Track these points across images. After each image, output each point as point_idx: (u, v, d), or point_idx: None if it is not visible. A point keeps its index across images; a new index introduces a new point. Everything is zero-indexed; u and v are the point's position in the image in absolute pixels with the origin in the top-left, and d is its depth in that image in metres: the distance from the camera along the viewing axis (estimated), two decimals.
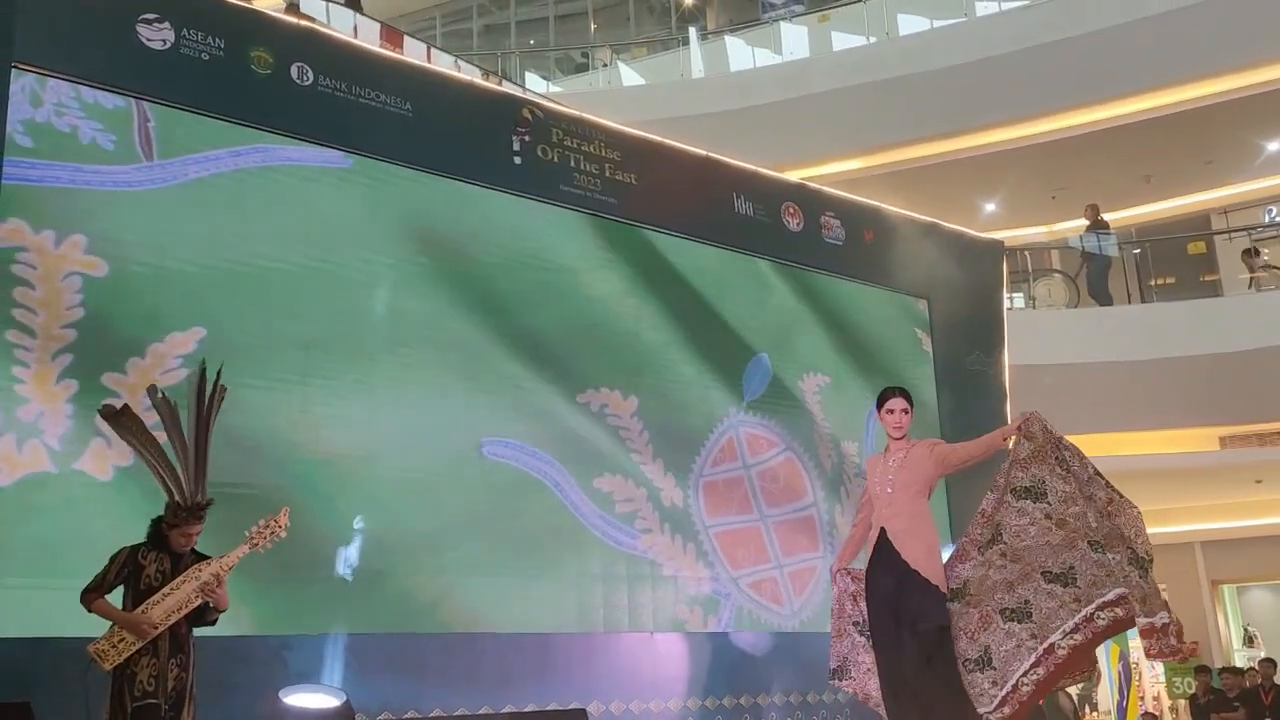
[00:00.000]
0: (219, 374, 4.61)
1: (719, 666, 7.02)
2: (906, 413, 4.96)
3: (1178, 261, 15.02)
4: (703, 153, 8.11)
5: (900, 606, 4.65)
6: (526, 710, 6.09)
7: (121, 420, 4.51)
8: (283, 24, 6.43)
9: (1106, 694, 12.58)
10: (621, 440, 7.07)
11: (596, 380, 7.02)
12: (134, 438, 4.51)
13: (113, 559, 4.37)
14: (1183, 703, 13.97)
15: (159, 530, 4.45)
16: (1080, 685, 8.42)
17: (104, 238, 5.43)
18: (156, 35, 5.73)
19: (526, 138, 7.10)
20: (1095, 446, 12.68)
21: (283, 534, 4.58)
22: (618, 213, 7.41)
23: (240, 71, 6.01)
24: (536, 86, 14.89)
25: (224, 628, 4.58)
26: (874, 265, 8.80)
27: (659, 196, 7.63)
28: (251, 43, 6.08)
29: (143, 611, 4.25)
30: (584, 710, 6.22)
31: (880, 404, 5.02)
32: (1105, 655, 12.37)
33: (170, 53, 5.76)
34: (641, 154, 7.68)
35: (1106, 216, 13.95)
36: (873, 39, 14.45)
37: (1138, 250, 13.78)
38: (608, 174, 7.42)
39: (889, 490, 4.85)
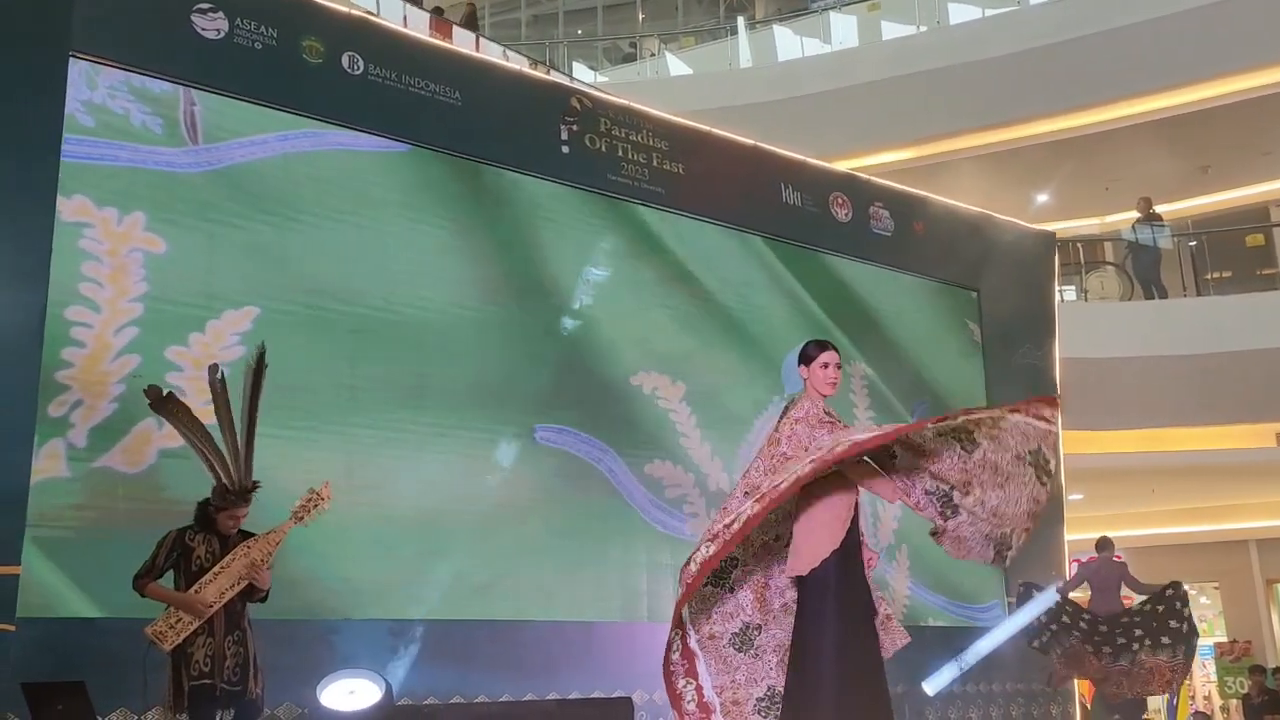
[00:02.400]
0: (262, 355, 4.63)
1: None
2: (838, 368, 4.15)
3: (1235, 254, 14.74)
4: (750, 142, 8.07)
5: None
6: (571, 698, 6.11)
7: (167, 406, 4.52)
8: (334, 14, 6.48)
9: None
10: (671, 424, 7.11)
11: (647, 365, 7.10)
12: (180, 422, 4.52)
13: (160, 543, 4.41)
14: (1234, 702, 13.77)
15: (205, 513, 4.48)
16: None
17: (160, 216, 5.56)
18: (211, 25, 5.82)
19: (575, 127, 7.11)
20: (1148, 442, 12.61)
21: (326, 506, 4.59)
22: (665, 202, 7.41)
23: (292, 60, 6.08)
24: (584, 76, 14.88)
25: (271, 609, 4.63)
26: (924, 256, 8.73)
27: (706, 186, 7.61)
28: (303, 32, 6.15)
29: (195, 591, 4.29)
30: (629, 699, 6.22)
31: (812, 359, 4.12)
32: None
33: (224, 42, 5.85)
34: (689, 144, 7.66)
35: (1162, 208, 13.71)
36: (923, 28, 14.29)
37: (1193, 243, 13.53)
38: (655, 163, 7.40)
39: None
